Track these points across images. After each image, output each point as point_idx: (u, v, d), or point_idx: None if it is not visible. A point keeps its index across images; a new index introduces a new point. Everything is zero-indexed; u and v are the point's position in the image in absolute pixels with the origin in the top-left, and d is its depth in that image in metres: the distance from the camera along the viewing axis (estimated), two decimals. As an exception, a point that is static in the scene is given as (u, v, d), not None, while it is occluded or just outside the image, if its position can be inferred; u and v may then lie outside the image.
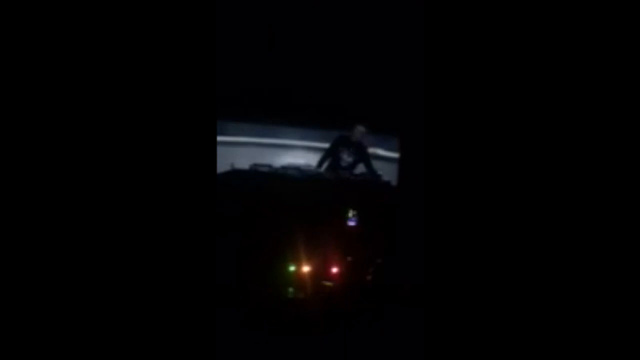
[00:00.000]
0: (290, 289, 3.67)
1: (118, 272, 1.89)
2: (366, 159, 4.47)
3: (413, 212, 3.71)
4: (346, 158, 4.38)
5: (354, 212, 3.69)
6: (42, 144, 1.86)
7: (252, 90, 4.81)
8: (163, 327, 1.89)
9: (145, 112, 1.94)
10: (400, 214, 3.86)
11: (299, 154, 5.09)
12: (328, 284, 3.72)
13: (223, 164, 4.33)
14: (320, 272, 3.69)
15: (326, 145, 4.65)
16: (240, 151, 5.12)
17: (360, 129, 4.38)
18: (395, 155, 4.85)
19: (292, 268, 3.68)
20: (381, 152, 5.12)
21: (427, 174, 2.07)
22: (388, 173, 4.56)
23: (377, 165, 4.68)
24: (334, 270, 3.74)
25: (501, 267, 1.92)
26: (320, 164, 4.52)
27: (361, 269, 3.78)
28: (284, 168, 4.37)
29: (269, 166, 4.35)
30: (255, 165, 4.30)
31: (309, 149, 5.15)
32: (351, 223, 3.72)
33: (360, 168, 4.50)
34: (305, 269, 3.66)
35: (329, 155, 4.50)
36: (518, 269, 1.91)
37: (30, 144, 1.86)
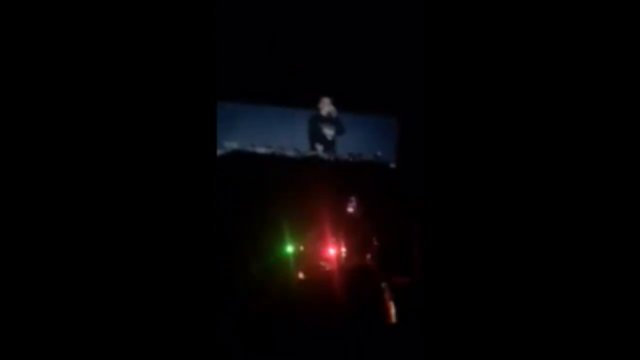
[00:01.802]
0: (289, 271, 3.70)
1: (115, 266, 1.89)
2: (342, 130, 4.55)
3: (413, 195, 3.74)
4: (329, 132, 4.50)
5: (353, 199, 3.72)
6: (40, 140, 1.86)
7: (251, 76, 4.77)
8: (163, 323, 1.90)
9: (145, 108, 1.94)
10: (400, 197, 3.89)
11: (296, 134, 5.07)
12: (325, 265, 3.76)
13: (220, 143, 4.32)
14: (317, 254, 3.73)
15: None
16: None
17: (326, 100, 4.48)
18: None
19: (290, 250, 3.71)
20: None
21: (428, 160, 2.06)
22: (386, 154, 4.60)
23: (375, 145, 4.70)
24: (332, 252, 3.78)
25: (504, 260, 1.93)
26: (311, 145, 4.55)
27: (359, 251, 3.81)
28: (282, 148, 4.38)
29: (269, 146, 4.36)
30: (253, 145, 4.30)
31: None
32: (350, 209, 3.75)
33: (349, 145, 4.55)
34: (303, 251, 3.69)
35: (314, 135, 4.57)
36: (520, 262, 1.92)
37: (28, 137, 1.85)
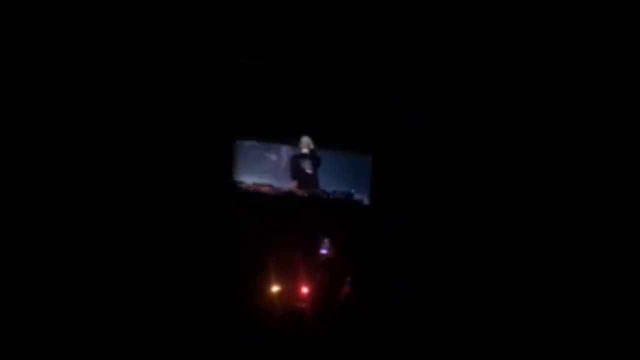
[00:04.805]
0: (264, 310, 3.63)
1: (120, 283, 1.92)
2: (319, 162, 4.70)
3: (387, 231, 3.75)
4: (307, 167, 4.63)
5: (326, 240, 3.74)
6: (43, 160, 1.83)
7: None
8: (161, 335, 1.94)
9: (146, 123, 1.94)
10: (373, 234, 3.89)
11: (271, 170, 5.07)
12: (300, 305, 3.71)
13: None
14: (291, 294, 3.68)
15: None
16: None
17: (306, 140, 4.63)
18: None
19: (265, 290, 3.65)
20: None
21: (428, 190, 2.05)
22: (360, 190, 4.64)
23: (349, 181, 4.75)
24: (305, 291, 3.73)
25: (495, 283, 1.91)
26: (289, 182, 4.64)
27: (332, 290, 3.77)
28: (257, 185, 4.35)
29: (241, 182, 4.33)
30: (227, 182, 4.26)
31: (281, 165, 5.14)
32: (323, 251, 3.76)
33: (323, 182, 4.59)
34: (277, 290, 3.64)
35: (293, 172, 4.67)
36: (514, 286, 1.90)
37: (32, 168, 1.82)
